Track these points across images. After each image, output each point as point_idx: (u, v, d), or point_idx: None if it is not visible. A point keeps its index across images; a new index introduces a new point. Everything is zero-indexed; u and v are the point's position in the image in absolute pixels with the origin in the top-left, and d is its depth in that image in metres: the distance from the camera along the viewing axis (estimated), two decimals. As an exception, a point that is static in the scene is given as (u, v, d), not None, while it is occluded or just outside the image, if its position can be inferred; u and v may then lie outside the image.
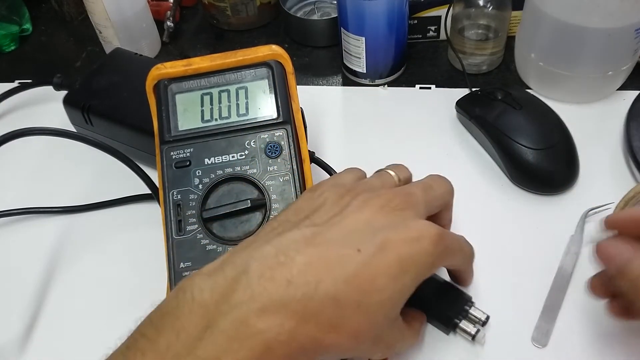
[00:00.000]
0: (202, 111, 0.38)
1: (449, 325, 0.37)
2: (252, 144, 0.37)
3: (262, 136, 0.37)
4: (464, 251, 0.34)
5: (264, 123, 0.38)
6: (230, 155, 0.37)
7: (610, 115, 0.51)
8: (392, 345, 0.31)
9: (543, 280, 0.40)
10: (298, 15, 0.62)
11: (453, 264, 0.34)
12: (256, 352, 0.25)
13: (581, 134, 0.47)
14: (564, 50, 0.49)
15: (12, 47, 0.64)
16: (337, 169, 0.45)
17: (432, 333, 0.38)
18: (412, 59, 0.58)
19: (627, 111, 0.48)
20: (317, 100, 0.54)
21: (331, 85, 0.57)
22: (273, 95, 0.38)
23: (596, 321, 0.38)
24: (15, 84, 0.59)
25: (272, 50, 0.39)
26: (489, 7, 0.53)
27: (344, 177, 0.35)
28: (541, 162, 0.44)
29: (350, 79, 0.57)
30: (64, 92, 0.50)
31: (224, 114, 0.38)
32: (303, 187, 0.37)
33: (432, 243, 0.29)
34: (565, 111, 0.48)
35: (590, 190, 0.45)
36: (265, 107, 0.38)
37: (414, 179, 0.47)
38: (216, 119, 0.38)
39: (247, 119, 0.38)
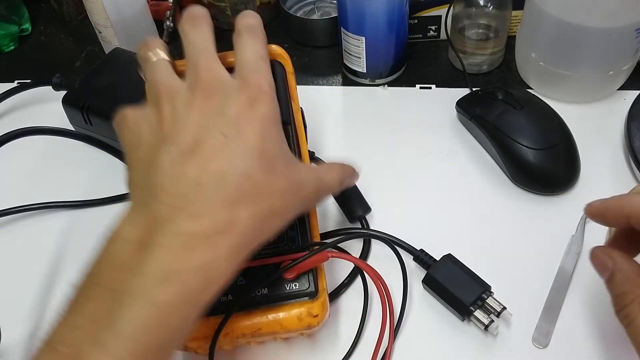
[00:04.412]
0: None
1: (463, 312, 0.37)
2: None
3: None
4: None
5: None
6: None
7: (610, 115, 0.51)
8: (314, 184, 0.32)
9: (544, 280, 0.40)
10: (298, 15, 0.62)
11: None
12: (208, 254, 0.26)
13: (582, 133, 0.47)
14: (564, 50, 0.48)
15: (12, 47, 0.64)
16: (337, 169, 0.45)
17: (447, 317, 0.39)
18: (412, 59, 0.58)
19: (627, 111, 0.48)
20: (317, 100, 0.54)
21: (331, 85, 0.57)
22: (276, 96, 0.38)
23: (597, 321, 0.38)
24: (15, 84, 0.59)
25: (272, 50, 0.39)
26: (490, 6, 0.53)
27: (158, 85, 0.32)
28: (542, 162, 0.44)
29: (350, 78, 0.57)
30: (63, 92, 0.50)
31: None
32: None
33: (269, 90, 0.31)
34: (565, 111, 0.48)
35: (591, 190, 0.45)
36: None
37: (415, 180, 0.47)
38: None
39: None
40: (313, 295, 0.35)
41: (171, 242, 0.26)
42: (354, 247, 0.43)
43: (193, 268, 0.25)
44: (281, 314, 0.34)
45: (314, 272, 0.35)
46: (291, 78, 0.39)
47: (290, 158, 0.31)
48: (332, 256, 0.36)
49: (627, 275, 0.30)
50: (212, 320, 0.34)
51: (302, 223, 0.37)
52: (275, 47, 0.39)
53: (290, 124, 0.38)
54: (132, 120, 0.31)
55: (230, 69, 0.33)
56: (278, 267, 0.35)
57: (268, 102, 0.30)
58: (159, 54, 0.33)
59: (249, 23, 0.34)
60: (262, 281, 0.35)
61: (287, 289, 0.35)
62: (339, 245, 0.42)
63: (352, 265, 0.41)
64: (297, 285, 0.35)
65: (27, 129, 0.41)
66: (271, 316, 0.34)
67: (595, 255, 0.32)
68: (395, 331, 0.38)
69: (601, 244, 0.35)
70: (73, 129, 0.50)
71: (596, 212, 0.32)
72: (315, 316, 0.34)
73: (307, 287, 0.35)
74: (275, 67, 0.38)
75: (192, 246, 0.26)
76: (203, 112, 0.29)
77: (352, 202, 0.44)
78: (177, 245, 0.26)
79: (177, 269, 0.25)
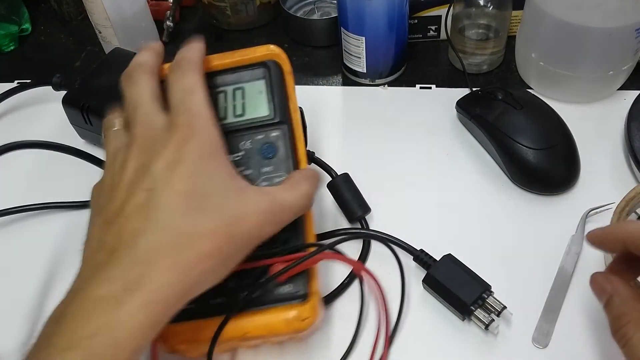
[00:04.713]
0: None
1: (464, 311, 0.37)
2: (247, 144, 0.37)
3: (257, 137, 0.37)
4: None
5: (260, 123, 0.37)
6: None
7: (611, 115, 0.51)
8: (265, 209, 0.31)
9: (543, 280, 0.40)
10: (298, 15, 0.62)
11: None
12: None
13: (582, 133, 0.47)
14: (564, 50, 0.48)
15: (12, 47, 0.64)
16: (337, 169, 0.45)
17: (448, 317, 0.39)
18: (412, 59, 0.58)
19: (627, 111, 0.48)
20: (317, 100, 0.54)
21: (331, 85, 0.57)
22: (270, 96, 0.38)
23: (597, 321, 0.38)
24: (15, 84, 0.59)
25: (270, 50, 0.39)
26: (490, 6, 0.53)
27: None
28: (542, 162, 0.44)
29: (350, 78, 0.57)
30: (63, 92, 0.50)
31: (221, 115, 0.38)
32: None
33: (200, 124, 0.31)
34: (566, 111, 0.48)
35: (591, 190, 0.45)
36: (261, 107, 0.38)
37: (415, 180, 0.47)
38: (220, 119, 0.38)
39: (243, 120, 0.38)
40: (304, 298, 0.34)
41: (78, 309, 0.26)
42: (354, 247, 0.43)
43: (92, 333, 0.25)
44: (269, 317, 0.33)
45: (307, 275, 0.35)
46: (289, 77, 0.39)
47: (230, 189, 0.31)
48: (326, 259, 0.35)
49: (624, 299, 0.31)
50: (200, 323, 0.33)
51: (295, 224, 0.35)
52: (272, 47, 0.39)
53: (286, 124, 0.37)
54: (94, 192, 0.34)
55: (216, 72, 0.36)
56: (268, 269, 0.34)
57: (199, 139, 0.31)
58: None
59: (180, 57, 0.35)
60: (252, 284, 0.34)
61: (278, 291, 0.34)
62: (334, 247, 0.41)
63: (350, 267, 0.41)
64: (288, 287, 0.34)
65: (20, 143, 0.43)
66: (259, 319, 0.33)
67: (595, 280, 0.33)
68: (391, 337, 0.38)
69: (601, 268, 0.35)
70: (73, 130, 0.50)
71: (596, 239, 0.33)
72: (304, 320, 0.33)
73: (298, 290, 0.34)
74: (271, 67, 0.38)
75: (95, 310, 0.26)
76: (134, 171, 0.31)
77: (352, 203, 0.44)
78: (82, 312, 0.26)
79: (80, 336, 0.25)
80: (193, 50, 0.36)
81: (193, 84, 0.33)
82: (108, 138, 0.34)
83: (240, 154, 0.37)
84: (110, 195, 0.31)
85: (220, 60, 0.39)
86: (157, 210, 0.29)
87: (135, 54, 0.52)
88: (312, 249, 0.35)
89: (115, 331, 0.26)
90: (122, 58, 0.52)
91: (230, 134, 0.37)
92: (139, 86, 0.34)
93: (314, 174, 0.35)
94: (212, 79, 0.39)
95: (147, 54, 0.36)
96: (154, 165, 0.30)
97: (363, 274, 0.37)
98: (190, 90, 0.33)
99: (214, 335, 0.33)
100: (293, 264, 0.34)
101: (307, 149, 0.48)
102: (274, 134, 0.37)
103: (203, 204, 0.29)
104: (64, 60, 0.63)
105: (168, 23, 0.62)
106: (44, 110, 0.56)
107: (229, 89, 0.39)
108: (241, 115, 0.38)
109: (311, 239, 0.36)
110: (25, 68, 0.62)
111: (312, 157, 0.45)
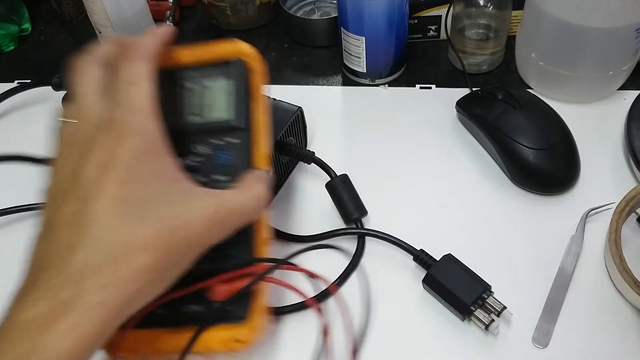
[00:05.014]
0: (160, 109, 0.35)
1: (464, 311, 0.37)
2: (204, 148, 0.35)
3: (214, 141, 0.35)
4: None
5: (219, 126, 0.35)
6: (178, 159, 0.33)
7: (611, 115, 0.51)
8: (211, 215, 0.29)
9: (543, 280, 0.40)
10: (298, 15, 0.62)
11: None
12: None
13: (582, 133, 0.47)
14: (564, 50, 0.48)
15: (11, 47, 0.64)
16: (337, 169, 0.45)
17: (448, 317, 0.39)
18: (412, 59, 0.58)
19: (627, 111, 0.48)
20: (317, 100, 0.54)
21: (331, 85, 0.57)
22: (234, 97, 0.35)
23: (597, 321, 0.38)
24: (15, 84, 0.59)
25: (239, 48, 0.35)
26: (490, 6, 0.53)
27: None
28: (542, 162, 0.44)
29: (350, 78, 0.57)
30: (63, 92, 0.50)
31: (180, 114, 0.35)
32: None
33: (137, 120, 0.29)
34: (565, 111, 0.48)
35: (591, 190, 0.45)
36: (223, 109, 0.35)
37: (415, 180, 0.47)
38: (173, 118, 0.34)
39: (202, 121, 0.35)
40: (242, 319, 0.33)
41: (7, 333, 0.25)
42: (351, 248, 0.43)
43: (21, 357, 0.24)
44: (206, 335, 0.32)
45: (250, 294, 0.33)
46: (257, 78, 0.36)
47: (171, 193, 0.28)
48: (270, 282, 0.34)
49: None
50: (142, 333, 0.33)
51: (242, 238, 0.33)
52: (243, 46, 0.36)
53: (247, 130, 0.35)
54: (45, 197, 0.31)
55: (182, 68, 0.34)
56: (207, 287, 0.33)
57: (134, 137, 0.28)
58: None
59: (130, 42, 0.31)
60: (192, 300, 0.33)
61: (218, 309, 0.33)
62: (292, 262, 0.38)
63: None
64: (229, 307, 0.33)
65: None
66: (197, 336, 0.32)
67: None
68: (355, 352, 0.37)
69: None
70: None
71: None
72: (240, 342, 0.32)
73: (238, 310, 0.33)
74: (239, 67, 0.35)
75: (23, 334, 0.24)
76: (68, 175, 0.28)
77: (349, 204, 0.43)
78: (11, 336, 0.25)
79: None
80: (149, 37, 0.32)
81: (137, 75, 0.30)
82: (57, 133, 0.31)
83: (195, 157, 0.35)
84: (47, 204, 0.28)
85: (187, 55, 0.36)
86: (90, 222, 0.26)
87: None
88: (263, 265, 0.33)
89: (43, 355, 0.24)
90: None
91: (187, 135, 0.35)
92: (84, 77, 0.31)
93: (267, 176, 0.33)
94: (176, 75, 0.36)
95: (107, 45, 0.33)
96: (84, 170, 0.27)
97: (313, 304, 0.36)
98: (133, 82, 0.29)
99: (186, 345, 0.32)
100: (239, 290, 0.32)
101: (307, 148, 0.48)
102: (232, 139, 0.35)
103: (140, 212, 0.27)
104: (63, 60, 0.63)
105: (168, 23, 0.62)
106: (43, 110, 0.55)
107: (193, 86, 0.36)
108: (201, 116, 0.35)
109: (263, 250, 0.34)
110: (25, 68, 0.62)
111: (311, 157, 0.45)
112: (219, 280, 0.33)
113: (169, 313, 0.33)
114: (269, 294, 0.36)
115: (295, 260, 0.42)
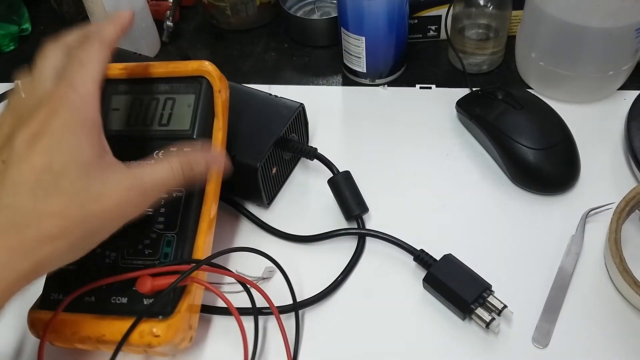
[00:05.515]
0: (129, 115, 0.39)
1: (465, 310, 0.37)
2: (160, 154, 0.38)
3: (172, 148, 0.37)
4: None
5: (177, 136, 0.38)
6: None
7: (611, 115, 0.51)
8: (128, 188, 0.30)
9: (543, 280, 0.40)
10: (298, 15, 0.62)
11: None
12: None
13: (582, 133, 0.47)
14: (564, 50, 0.48)
15: (11, 47, 0.64)
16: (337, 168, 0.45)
17: (448, 317, 0.39)
18: (412, 59, 0.58)
19: (627, 111, 0.48)
20: (317, 100, 0.54)
21: (331, 85, 0.57)
22: (195, 111, 0.38)
23: (597, 321, 0.38)
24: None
25: (202, 67, 0.39)
26: (490, 6, 0.53)
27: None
28: (542, 162, 0.44)
29: (350, 78, 0.57)
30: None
31: (147, 121, 0.39)
32: (199, 206, 0.37)
33: (74, 95, 0.30)
34: (566, 111, 0.48)
35: (591, 190, 0.45)
36: (184, 121, 0.38)
37: (415, 180, 0.47)
38: (139, 125, 0.39)
39: (164, 130, 0.38)
40: (166, 315, 0.34)
41: None
42: (350, 248, 0.43)
43: None
44: (126, 326, 0.33)
45: (178, 291, 0.35)
46: (217, 96, 0.39)
47: (91, 166, 0.29)
48: (195, 282, 0.35)
49: None
50: (68, 316, 0.34)
51: (181, 238, 0.36)
52: (206, 64, 0.39)
53: (203, 141, 0.38)
54: None
55: (154, 79, 0.38)
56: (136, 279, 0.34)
57: (69, 111, 0.29)
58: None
59: (92, 28, 0.34)
60: (120, 290, 0.35)
61: (144, 302, 0.35)
62: (216, 262, 0.38)
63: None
64: (155, 301, 0.34)
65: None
66: (117, 326, 0.34)
67: None
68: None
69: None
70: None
71: None
72: (157, 337, 0.33)
73: (164, 306, 0.34)
74: (203, 84, 0.38)
75: None
76: (1, 141, 0.30)
77: (350, 201, 0.43)
78: None
79: None
80: (107, 24, 0.34)
81: (88, 57, 0.31)
82: (6, 102, 0.33)
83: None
84: None
85: (157, 68, 0.40)
86: (4, 187, 0.28)
87: (135, 53, 0.52)
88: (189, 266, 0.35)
89: None
90: (122, 58, 0.52)
91: (149, 141, 0.38)
92: (45, 59, 0.32)
93: (194, 150, 0.34)
94: (148, 85, 0.39)
95: (74, 34, 0.34)
96: (16, 137, 0.29)
97: (229, 305, 0.36)
98: (82, 62, 0.31)
99: (126, 331, 0.33)
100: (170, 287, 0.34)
101: (310, 144, 0.48)
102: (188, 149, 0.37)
103: (56, 182, 0.28)
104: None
105: (168, 23, 0.62)
106: (44, 110, 0.55)
107: (162, 97, 0.39)
108: (164, 125, 0.39)
109: (199, 255, 0.36)
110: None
111: (314, 154, 0.45)
112: (148, 273, 0.34)
113: (95, 300, 0.35)
114: (201, 295, 0.37)
115: (296, 259, 0.42)
